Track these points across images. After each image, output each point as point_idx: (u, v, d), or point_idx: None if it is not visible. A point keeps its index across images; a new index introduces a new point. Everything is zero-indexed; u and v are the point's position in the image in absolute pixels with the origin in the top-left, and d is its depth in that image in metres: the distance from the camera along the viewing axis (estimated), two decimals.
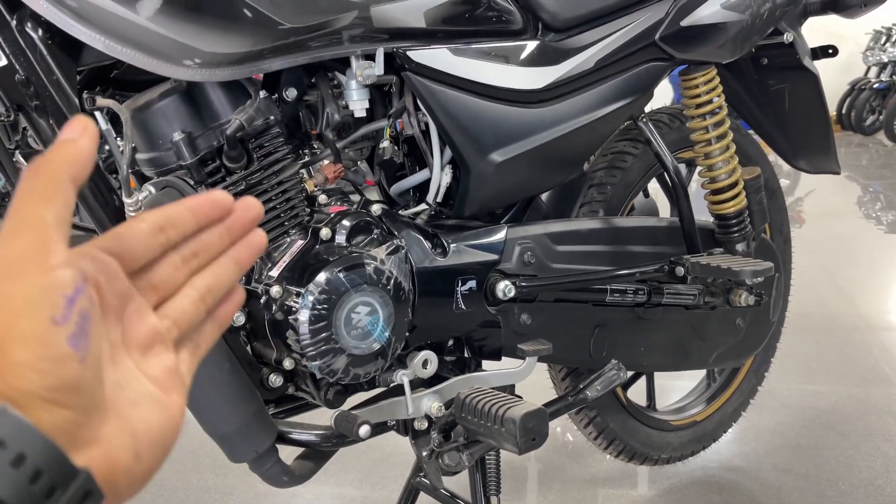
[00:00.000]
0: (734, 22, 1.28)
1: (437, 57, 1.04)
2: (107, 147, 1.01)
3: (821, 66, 1.57)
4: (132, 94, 0.98)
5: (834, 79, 6.88)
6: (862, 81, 7.60)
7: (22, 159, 4.56)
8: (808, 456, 1.77)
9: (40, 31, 0.86)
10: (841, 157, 1.67)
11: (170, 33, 0.85)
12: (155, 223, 0.37)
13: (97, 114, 0.93)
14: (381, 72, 1.00)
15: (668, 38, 1.24)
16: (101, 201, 0.94)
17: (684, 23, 1.25)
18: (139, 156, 0.97)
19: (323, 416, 1.03)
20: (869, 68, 7.73)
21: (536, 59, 1.14)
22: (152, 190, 0.93)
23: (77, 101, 0.88)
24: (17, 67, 0.85)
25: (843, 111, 7.58)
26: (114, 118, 1.00)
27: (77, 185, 0.33)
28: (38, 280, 0.29)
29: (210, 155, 0.93)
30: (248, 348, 1.02)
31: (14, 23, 0.85)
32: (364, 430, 0.96)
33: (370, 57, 1.00)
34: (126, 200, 0.84)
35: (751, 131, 1.67)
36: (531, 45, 1.14)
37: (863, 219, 4.61)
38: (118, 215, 0.95)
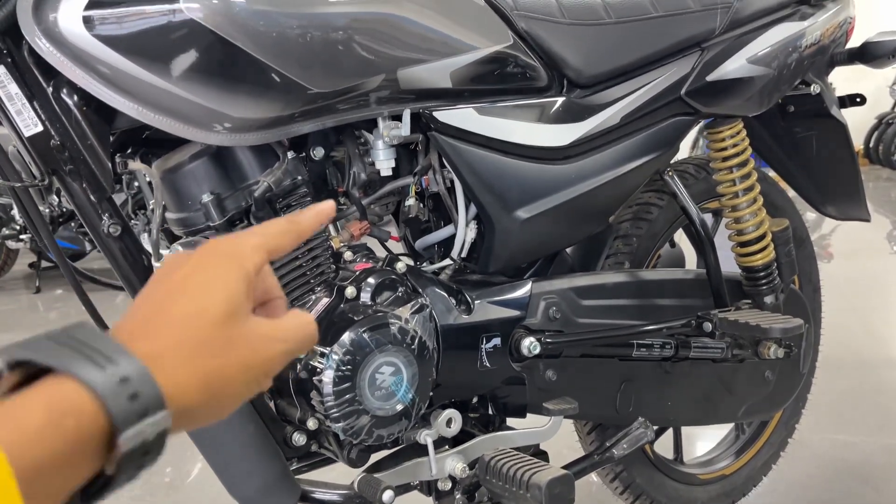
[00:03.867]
0: (761, 76, 1.28)
1: (462, 116, 1.05)
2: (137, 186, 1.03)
3: None
4: (163, 152, 1.00)
5: (861, 112, 6.81)
6: (889, 115, 7.52)
7: (53, 195, 4.60)
8: None
9: (75, 98, 0.88)
10: (869, 192, 1.65)
11: (200, 99, 0.86)
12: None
13: (125, 178, 0.95)
14: (408, 132, 1.01)
15: (694, 92, 1.24)
16: (130, 262, 0.95)
17: (710, 78, 1.25)
18: (169, 215, 0.98)
19: (344, 469, 1.02)
20: None
21: (562, 116, 1.14)
22: (181, 249, 0.94)
23: (110, 165, 0.90)
24: (53, 133, 0.87)
25: (871, 145, 7.50)
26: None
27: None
28: (253, 278, 0.46)
29: (238, 216, 0.94)
30: (272, 405, 1.02)
31: (50, 90, 0.87)
32: (388, 495, 0.95)
33: (397, 117, 1.01)
34: (155, 265, 0.85)
35: (773, 174, 1.66)
36: (556, 102, 1.15)
37: (893, 255, 4.53)
38: (147, 275, 0.96)
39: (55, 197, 4.21)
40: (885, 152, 7.39)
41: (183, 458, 2.23)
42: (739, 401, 1.44)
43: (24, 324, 4.23)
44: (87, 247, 4.33)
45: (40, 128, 0.87)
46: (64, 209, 4.26)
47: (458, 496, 1.05)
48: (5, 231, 4.59)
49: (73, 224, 4.41)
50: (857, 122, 1.67)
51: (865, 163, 7.39)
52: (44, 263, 5.09)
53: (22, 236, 4.54)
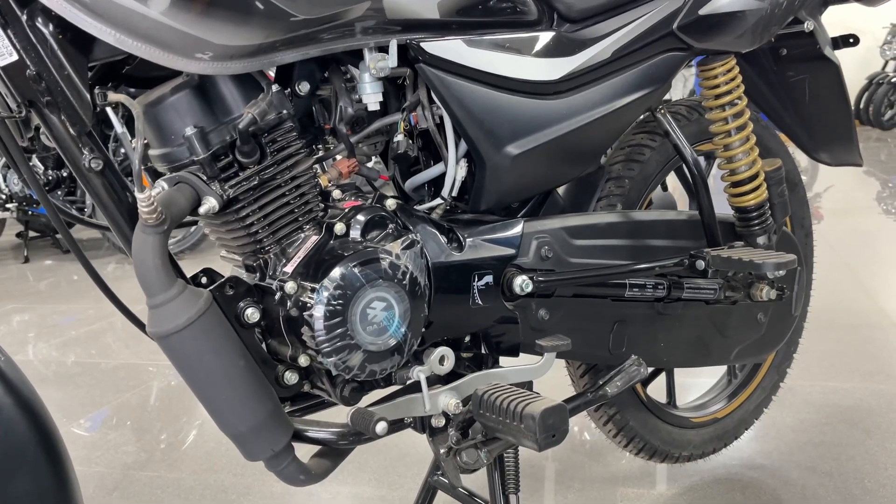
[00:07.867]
0: (753, 10, 1.26)
1: (451, 48, 1.03)
2: (122, 149, 1.01)
3: None
4: (144, 91, 0.97)
5: (851, 73, 6.81)
6: (880, 76, 7.52)
7: (38, 163, 4.57)
8: (832, 454, 1.74)
9: (51, 26, 0.85)
10: None
11: (181, 26, 0.84)
12: None
13: (109, 110, 0.93)
14: (395, 64, 0.98)
15: (687, 27, 1.22)
16: (114, 199, 0.93)
17: (703, 11, 1.23)
18: (151, 152, 0.96)
19: (339, 415, 1.02)
20: (886, 62, 7.65)
21: (552, 50, 1.12)
22: (165, 186, 0.92)
23: (89, 96, 0.88)
24: (28, 63, 0.84)
25: (861, 106, 7.52)
26: (127, 115, 0.99)
27: None
28: None
29: (223, 150, 0.92)
30: (263, 345, 1.01)
31: (25, 17, 0.84)
32: (381, 426, 0.94)
33: (383, 49, 0.99)
34: (138, 196, 0.83)
35: (770, 123, 1.64)
36: (546, 36, 1.12)
37: (882, 214, 4.56)
38: (132, 212, 0.94)
39: (40, 165, 4.15)
40: (875, 113, 7.40)
41: (178, 423, 2.23)
42: (732, 343, 1.44)
43: (14, 294, 4.20)
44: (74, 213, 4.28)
45: (15, 57, 0.84)
46: (49, 177, 4.21)
47: (451, 432, 1.05)
48: None
49: (59, 192, 4.36)
50: (848, 83, 1.65)
51: (857, 123, 7.40)
52: (31, 233, 5.04)
53: (8, 205, 4.49)
